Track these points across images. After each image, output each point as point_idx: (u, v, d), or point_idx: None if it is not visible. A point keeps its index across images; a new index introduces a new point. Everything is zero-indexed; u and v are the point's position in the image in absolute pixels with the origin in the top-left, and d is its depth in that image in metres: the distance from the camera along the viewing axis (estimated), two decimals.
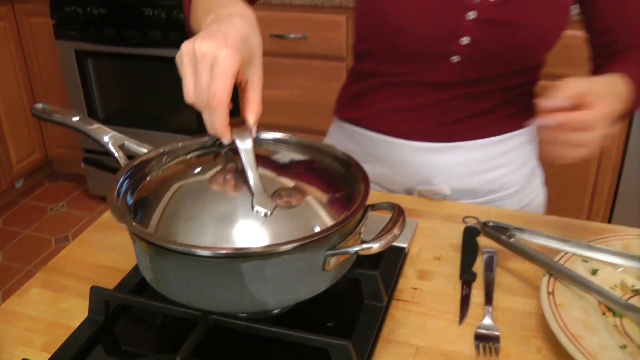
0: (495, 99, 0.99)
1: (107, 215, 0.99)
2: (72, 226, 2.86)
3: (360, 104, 1.06)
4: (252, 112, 0.69)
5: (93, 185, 3.02)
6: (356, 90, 1.08)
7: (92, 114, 2.83)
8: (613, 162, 2.21)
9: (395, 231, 0.63)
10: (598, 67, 1.03)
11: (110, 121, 2.81)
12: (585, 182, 2.29)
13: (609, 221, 2.32)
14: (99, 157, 2.89)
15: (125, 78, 2.72)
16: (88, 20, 2.61)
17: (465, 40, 0.92)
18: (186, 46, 0.64)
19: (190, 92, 0.64)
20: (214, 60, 0.62)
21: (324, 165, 0.77)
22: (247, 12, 0.71)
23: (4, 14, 2.82)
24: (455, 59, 0.94)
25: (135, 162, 0.75)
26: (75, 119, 0.86)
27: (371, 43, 1.01)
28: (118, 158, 0.79)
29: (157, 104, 2.67)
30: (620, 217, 2.29)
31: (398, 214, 0.65)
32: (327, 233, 0.61)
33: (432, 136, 0.99)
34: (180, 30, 2.43)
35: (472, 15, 0.91)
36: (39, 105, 0.87)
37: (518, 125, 1.04)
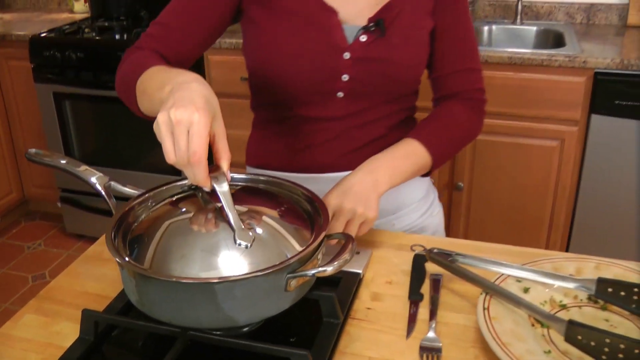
0: (384, 125, 1.14)
1: (93, 248, 1.08)
2: (49, 264, 2.91)
3: (268, 149, 1.19)
4: (224, 159, 0.79)
5: (69, 223, 3.08)
6: (262, 138, 1.21)
7: (69, 154, 2.91)
8: (567, 193, 2.35)
9: (346, 256, 0.74)
10: (434, 103, 1.20)
11: (87, 161, 2.85)
12: (542, 213, 2.42)
13: (567, 250, 2.45)
14: (75, 196, 2.96)
15: (102, 119, 2.82)
16: (66, 64, 2.71)
17: (345, 77, 1.07)
18: (162, 116, 0.73)
19: (171, 155, 0.73)
20: (189, 124, 0.72)
21: (291, 200, 0.89)
22: (198, 76, 0.82)
23: None
24: (340, 94, 1.09)
25: (127, 207, 0.85)
26: (64, 161, 0.96)
27: (266, 94, 1.14)
28: (105, 197, 0.88)
29: (132, 144, 2.76)
30: (576, 246, 2.41)
31: (347, 242, 0.77)
32: (284, 264, 0.73)
33: (337, 167, 1.12)
34: None
35: (347, 55, 1.05)
36: (32, 150, 0.97)
37: None
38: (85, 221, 2.99)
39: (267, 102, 1.17)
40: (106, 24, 2.87)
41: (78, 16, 3.24)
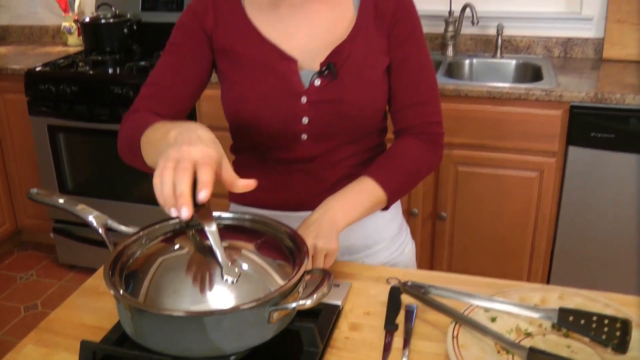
0: (350, 165, 1.22)
1: (90, 282, 1.14)
2: (41, 294, 2.95)
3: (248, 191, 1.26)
4: (239, 186, 0.86)
5: (62, 254, 3.13)
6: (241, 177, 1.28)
7: (62, 185, 2.97)
8: (547, 223, 2.42)
9: (324, 289, 0.81)
10: (394, 137, 1.26)
11: (79, 192, 2.96)
12: (523, 242, 2.49)
13: (547, 281, 2.52)
14: (67, 226, 3.02)
15: (95, 152, 2.89)
16: (60, 97, 2.78)
17: (305, 120, 1.15)
18: (174, 152, 0.79)
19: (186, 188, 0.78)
20: (206, 159, 0.79)
21: (274, 237, 0.96)
22: (201, 124, 0.89)
23: None
24: (304, 136, 1.17)
25: (123, 245, 0.92)
26: (62, 200, 1.03)
27: (242, 139, 1.24)
28: (103, 235, 0.95)
29: (124, 176, 2.82)
30: (558, 274, 2.48)
31: (325, 277, 0.84)
32: (267, 298, 0.79)
33: (313, 204, 1.18)
34: None
35: (304, 99, 1.14)
36: (34, 191, 1.04)
37: None
38: (77, 252, 3.04)
39: (244, 146, 1.25)
40: (99, 57, 2.95)
41: (72, 49, 3.32)
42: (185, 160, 0.77)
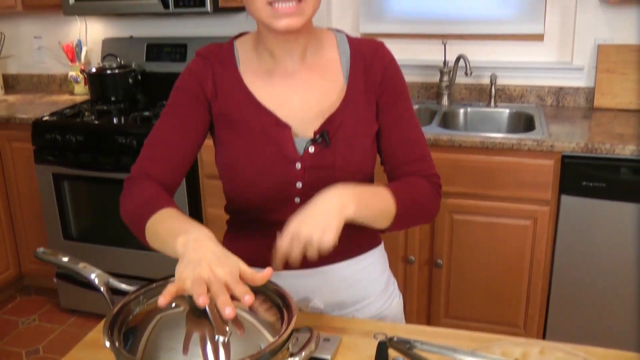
0: (343, 227, 1.23)
1: (91, 335, 1.19)
2: (43, 339, 2.98)
3: (240, 248, 1.28)
4: (258, 279, 0.95)
5: (64, 298, 3.17)
6: (235, 238, 1.34)
7: (66, 232, 3.03)
8: (542, 270, 2.46)
9: (312, 346, 0.86)
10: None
11: (83, 239, 3.01)
12: (519, 289, 2.52)
13: (544, 327, 2.54)
14: (70, 272, 3.05)
15: (99, 199, 2.95)
16: (66, 146, 2.86)
17: (299, 184, 1.21)
18: (205, 272, 0.89)
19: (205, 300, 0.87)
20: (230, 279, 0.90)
21: (264, 295, 1.01)
22: (208, 232, 0.99)
23: None
24: (297, 200, 1.22)
25: (123, 302, 0.97)
26: (65, 259, 1.09)
27: (235, 201, 1.28)
28: (103, 293, 1.00)
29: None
30: (554, 320, 2.50)
31: (313, 334, 0.89)
32: (258, 356, 0.84)
33: (301, 265, 1.20)
34: None
35: (298, 165, 1.20)
36: (40, 250, 1.10)
37: (368, 247, 1.33)
38: (79, 296, 3.08)
39: (237, 208, 1.30)
40: (105, 107, 3.04)
41: (79, 98, 3.42)
42: (216, 282, 0.88)
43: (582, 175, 2.32)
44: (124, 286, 1.02)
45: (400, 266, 2.64)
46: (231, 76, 1.23)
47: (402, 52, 3.12)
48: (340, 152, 1.20)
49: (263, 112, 1.20)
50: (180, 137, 1.22)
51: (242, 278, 0.92)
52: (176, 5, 2.85)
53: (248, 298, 0.86)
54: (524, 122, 2.80)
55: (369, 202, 1.12)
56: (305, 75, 1.22)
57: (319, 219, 1.04)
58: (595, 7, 2.78)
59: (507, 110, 2.89)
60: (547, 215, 2.40)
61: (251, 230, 1.28)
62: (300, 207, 1.21)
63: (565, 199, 2.36)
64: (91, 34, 3.54)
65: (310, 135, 1.20)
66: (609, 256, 2.37)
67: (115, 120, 2.93)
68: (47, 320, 3.15)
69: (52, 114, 3.00)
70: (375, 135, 1.24)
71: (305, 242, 1.02)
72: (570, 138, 2.36)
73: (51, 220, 3.03)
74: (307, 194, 1.20)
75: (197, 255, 0.91)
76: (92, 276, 1.05)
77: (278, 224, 1.24)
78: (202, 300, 0.84)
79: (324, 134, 1.18)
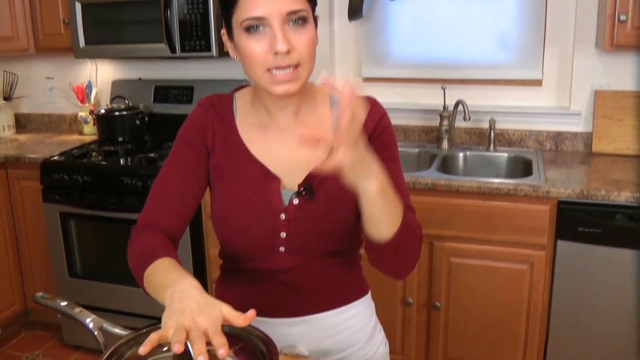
0: (324, 277, 1.30)
1: None
2: None
3: (230, 292, 1.36)
4: (241, 320, 0.97)
5: (68, 334, 3.20)
6: (226, 282, 1.39)
7: (71, 269, 3.08)
8: (540, 313, 2.48)
9: None
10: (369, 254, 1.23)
11: (87, 276, 3.06)
12: (517, 332, 2.54)
13: None
14: (67, 316, 3.10)
15: (104, 238, 3.00)
16: (73, 186, 2.93)
17: (283, 234, 1.25)
18: (187, 321, 0.92)
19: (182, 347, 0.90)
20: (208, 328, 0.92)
21: (248, 341, 1.05)
22: (192, 282, 1.02)
23: None
24: (282, 249, 1.26)
25: (115, 346, 1.02)
26: (63, 304, 1.13)
27: (226, 248, 1.34)
28: (96, 337, 1.05)
29: None
30: None
31: None
32: None
33: (287, 313, 1.28)
34: None
35: (283, 216, 1.24)
36: (39, 294, 1.15)
37: (355, 297, 1.36)
38: (83, 333, 3.10)
39: (229, 253, 1.35)
40: (112, 148, 3.12)
41: (87, 138, 3.50)
42: (196, 330, 0.91)
43: (578, 221, 2.36)
44: (117, 330, 1.06)
45: (398, 308, 2.67)
46: (228, 128, 1.29)
47: (403, 97, 3.20)
48: (323, 205, 1.24)
49: (254, 164, 1.26)
50: (182, 188, 1.28)
51: (226, 320, 0.96)
52: (183, 49, 2.94)
53: (222, 352, 0.89)
54: (522, 167, 2.85)
55: (390, 196, 1.08)
56: (296, 131, 1.27)
57: (361, 158, 1.00)
58: (591, 53, 2.85)
59: (506, 155, 2.94)
60: (544, 260, 2.43)
61: (240, 276, 1.33)
62: (284, 256, 1.26)
63: (562, 244, 2.39)
64: (101, 75, 3.64)
65: (297, 187, 1.25)
66: (607, 301, 2.39)
67: (122, 161, 3.00)
68: (50, 356, 3.18)
69: (60, 154, 3.08)
70: None
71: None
72: (566, 184, 2.39)
73: (57, 257, 3.09)
74: (291, 244, 1.25)
75: (182, 305, 0.95)
76: (87, 321, 1.09)
77: (264, 272, 1.29)
78: (176, 347, 0.88)
79: (307, 187, 1.23)
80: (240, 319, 0.97)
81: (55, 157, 3.04)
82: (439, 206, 2.50)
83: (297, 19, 1.14)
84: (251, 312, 0.97)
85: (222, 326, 1.04)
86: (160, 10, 2.92)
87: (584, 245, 2.37)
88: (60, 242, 3.05)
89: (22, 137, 3.59)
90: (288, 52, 1.13)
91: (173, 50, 2.96)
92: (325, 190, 1.25)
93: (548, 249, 2.42)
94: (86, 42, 3.14)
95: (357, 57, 3.26)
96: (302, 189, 1.24)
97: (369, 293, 1.43)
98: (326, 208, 1.24)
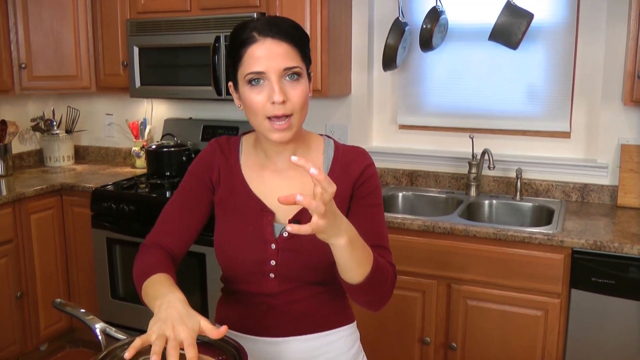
0: (312, 303, 1.43)
1: None
2: None
3: (228, 312, 1.51)
4: (215, 335, 1.12)
5: None
6: (225, 303, 1.54)
7: (114, 291, 3.29)
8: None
9: None
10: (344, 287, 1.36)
11: (128, 299, 3.26)
12: None
13: None
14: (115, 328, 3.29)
15: None
16: (120, 214, 3.16)
17: (272, 262, 1.40)
18: (168, 329, 1.07)
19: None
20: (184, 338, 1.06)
21: (224, 350, 1.19)
22: (179, 295, 1.19)
23: (53, 203, 3.43)
24: (272, 275, 1.41)
25: (110, 347, 1.17)
26: (82, 311, 1.30)
27: (224, 272, 1.50)
28: (99, 338, 1.21)
29: None
30: None
31: None
32: None
33: (272, 333, 1.43)
34: None
35: (273, 246, 1.39)
36: (58, 300, 1.33)
37: (338, 323, 1.49)
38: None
39: (226, 278, 1.52)
40: (158, 181, 3.35)
41: (138, 171, 3.76)
42: (174, 340, 1.05)
43: (592, 271, 2.41)
44: (119, 335, 1.22)
45: (416, 347, 2.75)
46: (232, 167, 1.48)
47: (435, 144, 3.32)
48: (310, 240, 1.34)
49: (253, 199, 1.43)
50: (186, 215, 1.47)
51: (202, 332, 1.11)
52: (228, 92, 3.17)
53: None
54: (545, 216, 2.91)
55: (358, 247, 1.23)
56: (291, 173, 1.44)
57: (332, 221, 1.14)
58: (618, 107, 2.92)
59: (531, 204, 3.01)
60: (558, 308, 2.48)
61: (235, 297, 1.49)
62: (273, 281, 1.41)
63: (576, 293, 2.44)
64: (155, 113, 3.92)
65: (287, 222, 1.40)
66: (619, 352, 2.41)
67: (167, 194, 3.21)
68: None
69: (111, 184, 3.33)
70: None
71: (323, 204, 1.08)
72: (581, 235, 2.45)
73: (102, 279, 3.31)
74: (280, 272, 1.40)
75: (166, 313, 1.11)
76: (96, 326, 1.26)
77: (255, 295, 1.44)
78: (153, 358, 1.02)
79: (296, 222, 1.37)
80: (214, 332, 1.12)
81: (106, 187, 3.29)
82: (457, 250, 2.59)
83: (292, 74, 1.33)
84: (223, 328, 1.12)
85: (203, 337, 1.20)
86: (209, 55, 3.16)
87: (597, 295, 2.41)
88: (106, 266, 3.27)
89: (79, 167, 3.88)
90: (283, 102, 1.31)
91: (219, 92, 3.19)
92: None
93: (562, 297, 2.47)
94: (142, 83, 3.41)
95: (393, 105, 3.41)
96: (292, 223, 1.39)
97: (354, 322, 1.55)
98: (312, 242, 1.34)
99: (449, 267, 2.62)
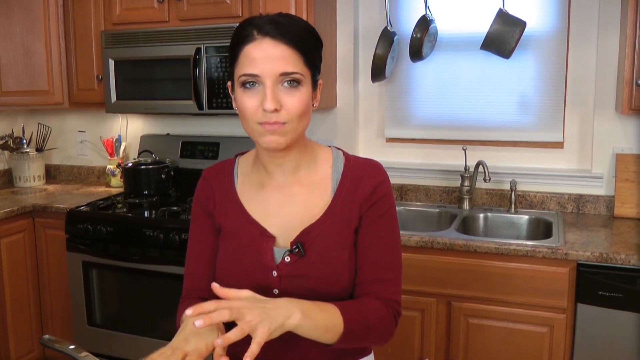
0: None
1: None
2: None
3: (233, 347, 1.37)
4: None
5: None
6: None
7: (91, 318, 3.10)
8: None
9: None
10: None
11: (106, 326, 3.08)
12: None
13: None
14: None
15: (124, 288, 3.03)
16: (97, 236, 2.98)
17: (275, 291, 1.28)
18: (175, 342, 1.11)
19: None
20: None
21: None
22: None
23: (25, 226, 3.23)
24: None
25: None
26: (71, 347, 1.15)
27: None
28: None
29: (150, 313, 2.95)
30: None
31: None
32: None
33: None
34: (175, 250, 2.79)
35: (275, 273, 1.28)
36: (46, 337, 1.17)
37: (355, 356, 1.36)
38: None
39: None
40: (137, 200, 3.18)
41: (114, 190, 3.58)
42: (180, 351, 1.09)
43: (598, 285, 2.32)
44: None
45: None
46: (227, 191, 1.36)
47: (425, 157, 3.23)
48: (315, 263, 1.26)
49: (251, 223, 1.31)
50: (207, 252, 1.38)
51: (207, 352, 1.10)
52: (210, 106, 3.03)
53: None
54: (542, 229, 2.83)
55: (316, 316, 1.17)
56: (294, 189, 1.32)
57: (266, 313, 1.10)
58: (612, 116, 2.86)
59: (527, 217, 2.93)
60: (564, 323, 2.38)
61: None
62: None
63: (582, 307, 2.35)
64: (131, 130, 3.76)
65: (290, 245, 1.28)
66: None
67: (146, 214, 3.05)
68: None
69: (86, 205, 3.15)
70: (353, 249, 1.30)
71: (246, 330, 1.07)
72: (585, 247, 2.37)
73: (77, 306, 3.12)
74: None
75: (182, 335, 1.12)
76: None
77: None
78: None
79: (299, 245, 1.26)
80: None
81: (81, 208, 3.11)
82: (457, 266, 2.49)
83: (291, 81, 1.20)
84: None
85: None
86: (189, 68, 3.03)
87: (604, 309, 2.32)
88: (82, 291, 3.09)
89: (51, 188, 3.69)
90: (276, 110, 1.19)
91: (200, 107, 3.05)
92: (317, 249, 1.27)
93: (568, 312, 2.38)
94: (118, 98, 3.25)
95: (380, 118, 3.31)
96: (294, 246, 1.27)
97: (372, 354, 1.41)
98: (317, 266, 1.26)
99: (449, 284, 2.51)
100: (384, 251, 1.31)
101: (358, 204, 1.30)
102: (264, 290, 1.27)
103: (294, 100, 1.20)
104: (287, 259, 1.27)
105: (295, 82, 1.20)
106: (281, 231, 1.29)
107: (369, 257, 1.30)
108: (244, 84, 1.21)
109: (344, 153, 1.38)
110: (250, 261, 1.29)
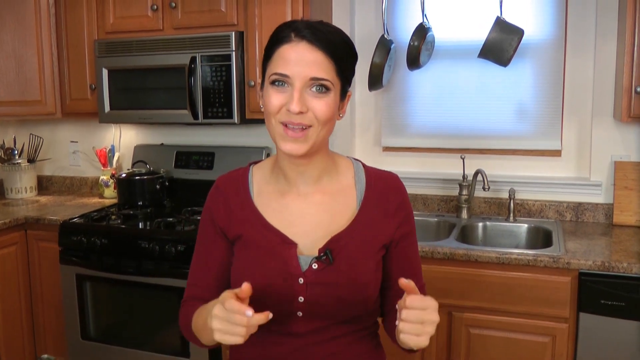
0: (341, 343, 1.29)
1: None
2: None
3: (247, 351, 1.35)
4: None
5: None
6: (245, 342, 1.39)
7: (84, 331, 3.04)
8: None
9: None
10: (383, 319, 1.39)
11: (100, 339, 3.02)
12: None
13: None
14: None
15: (119, 301, 2.98)
16: (91, 248, 2.93)
17: (301, 299, 1.25)
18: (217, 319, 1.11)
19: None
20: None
21: None
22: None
23: (17, 238, 3.17)
24: (300, 314, 1.26)
25: None
26: None
27: None
28: None
29: (146, 326, 2.89)
30: None
31: None
32: None
33: None
34: (171, 262, 2.74)
35: (301, 280, 1.25)
36: (45, 356, 1.13)
37: None
38: None
39: None
40: (131, 211, 3.14)
41: (107, 201, 3.53)
42: (218, 307, 1.11)
43: (600, 293, 2.30)
44: None
45: None
46: (242, 200, 1.34)
47: (422, 166, 3.20)
48: (343, 271, 1.24)
49: (271, 231, 1.28)
50: (209, 271, 1.37)
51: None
52: (205, 116, 2.99)
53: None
54: (542, 238, 2.81)
55: None
56: (318, 198, 1.30)
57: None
58: (610, 124, 2.85)
59: (526, 225, 2.91)
60: (566, 333, 2.36)
61: (257, 336, 1.31)
62: (301, 320, 1.24)
63: (584, 316, 2.33)
64: (124, 140, 3.71)
65: (316, 253, 1.26)
66: None
67: (140, 225, 3.00)
68: None
69: (79, 217, 3.10)
70: (380, 260, 1.30)
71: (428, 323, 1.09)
72: (587, 255, 2.35)
73: (71, 319, 3.06)
74: (309, 309, 1.24)
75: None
76: None
77: (280, 335, 1.28)
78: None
79: (328, 253, 1.24)
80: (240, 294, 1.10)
81: (75, 220, 3.06)
82: (457, 276, 2.46)
83: (320, 87, 1.20)
84: (245, 286, 1.10)
85: None
86: (184, 77, 2.99)
87: (607, 318, 2.30)
88: (75, 304, 3.03)
89: (44, 199, 3.63)
90: (301, 112, 1.18)
91: (196, 116, 3.01)
92: (345, 256, 1.26)
93: (570, 321, 2.35)
94: (111, 107, 3.21)
95: (377, 127, 3.29)
96: (322, 253, 1.24)
97: None
98: (346, 274, 1.24)
99: (449, 294, 2.48)
100: (418, 259, 1.37)
101: (387, 217, 1.31)
102: (290, 298, 1.25)
103: (321, 104, 1.20)
104: (315, 266, 1.25)
105: (323, 88, 1.20)
106: (304, 239, 1.28)
107: (399, 267, 1.32)
108: (273, 82, 1.21)
109: (363, 164, 1.38)
110: (275, 269, 1.26)
